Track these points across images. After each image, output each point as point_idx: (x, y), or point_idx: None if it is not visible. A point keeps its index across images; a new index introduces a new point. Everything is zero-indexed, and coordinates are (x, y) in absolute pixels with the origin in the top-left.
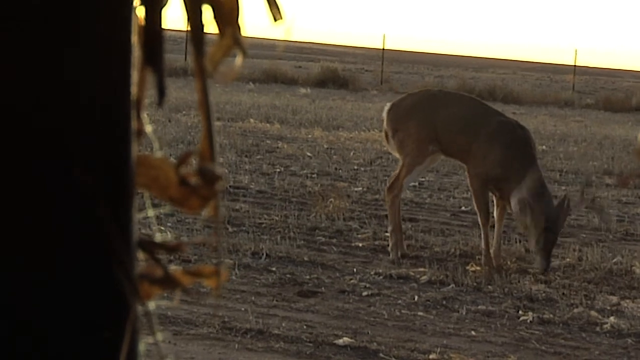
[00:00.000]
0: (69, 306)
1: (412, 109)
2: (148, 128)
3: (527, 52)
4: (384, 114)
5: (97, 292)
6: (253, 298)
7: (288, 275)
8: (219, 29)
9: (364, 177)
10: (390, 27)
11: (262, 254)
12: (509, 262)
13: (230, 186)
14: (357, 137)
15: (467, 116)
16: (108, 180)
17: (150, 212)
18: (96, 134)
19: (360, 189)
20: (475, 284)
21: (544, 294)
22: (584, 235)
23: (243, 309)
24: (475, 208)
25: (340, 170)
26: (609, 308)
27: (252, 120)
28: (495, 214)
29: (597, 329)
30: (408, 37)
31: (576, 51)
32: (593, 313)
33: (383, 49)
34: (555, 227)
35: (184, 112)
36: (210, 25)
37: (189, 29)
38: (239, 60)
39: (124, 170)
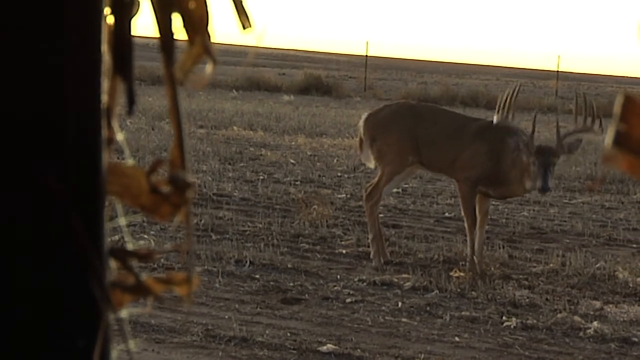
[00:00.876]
0: (42, 315)
1: (392, 119)
2: (119, 136)
3: (510, 58)
4: (361, 124)
5: (69, 301)
6: (237, 306)
7: (272, 283)
8: (189, 37)
9: (348, 184)
10: (373, 33)
11: (246, 262)
12: (492, 268)
13: (213, 194)
14: (340, 144)
15: (450, 126)
16: (79, 189)
17: (122, 221)
18: (66, 143)
19: (344, 195)
20: (459, 290)
21: (527, 300)
22: (568, 241)
23: (227, 316)
24: (463, 213)
25: (323, 177)
26: (592, 313)
27: (235, 127)
28: (477, 221)
29: (581, 334)
30: (391, 43)
31: (559, 57)
32: (576, 318)
33: (366, 56)
34: (548, 150)
35: (167, 120)
36: (180, 33)
37: (158, 36)
38: (209, 68)
39: (94, 178)
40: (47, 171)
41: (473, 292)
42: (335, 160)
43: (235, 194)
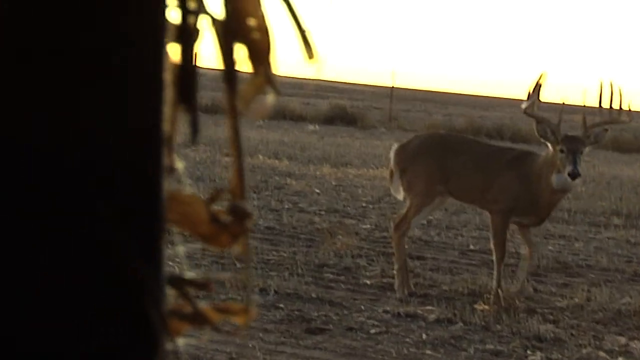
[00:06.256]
0: (98, 342)
1: (421, 150)
2: (179, 164)
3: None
4: (392, 155)
5: (126, 328)
6: (261, 334)
7: (296, 312)
8: (252, 67)
9: (372, 214)
10: (399, 64)
11: (270, 291)
12: (517, 302)
13: None
14: (365, 175)
15: (481, 156)
16: (139, 216)
17: (181, 249)
18: (127, 170)
19: (369, 226)
20: (483, 323)
21: (552, 334)
22: (593, 276)
23: (251, 345)
24: (493, 245)
25: (348, 208)
26: (617, 349)
27: (260, 156)
28: (527, 251)
29: None
30: (415, 74)
31: (585, 91)
32: (601, 354)
33: (392, 87)
34: (575, 138)
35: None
36: (242, 63)
37: (221, 67)
38: (270, 98)
39: (155, 206)
40: (107, 200)
41: (498, 326)
42: (360, 191)
43: (260, 222)
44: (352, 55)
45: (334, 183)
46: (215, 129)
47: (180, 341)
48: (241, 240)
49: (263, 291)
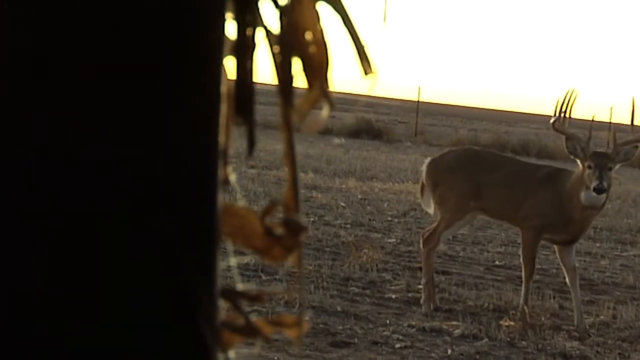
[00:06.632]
0: (151, 353)
1: (455, 165)
2: (232, 177)
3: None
4: (424, 168)
5: (178, 340)
6: (286, 347)
7: (321, 325)
8: (308, 81)
9: (398, 228)
10: (425, 79)
11: (295, 303)
12: (542, 318)
13: None
14: (391, 189)
15: (514, 173)
16: (194, 228)
17: (233, 261)
18: (181, 182)
19: (394, 240)
20: (508, 339)
21: (577, 352)
22: (619, 293)
23: (276, 358)
24: (522, 261)
25: (374, 221)
26: None
27: (286, 168)
28: (567, 279)
29: None
30: (442, 89)
31: (612, 109)
32: None
33: (418, 101)
34: (604, 154)
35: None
36: (298, 77)
37: (277, 80)
38: (325, 112)
39: (209, 218)
40: (162, 211)
41: (523, 342)
42: (385, 205)
43: None
44: (378, 70)
45: (359, 197)
46: (241, 140)
47: (232, 353)
48: (295, 253)
49: (288, 304)
